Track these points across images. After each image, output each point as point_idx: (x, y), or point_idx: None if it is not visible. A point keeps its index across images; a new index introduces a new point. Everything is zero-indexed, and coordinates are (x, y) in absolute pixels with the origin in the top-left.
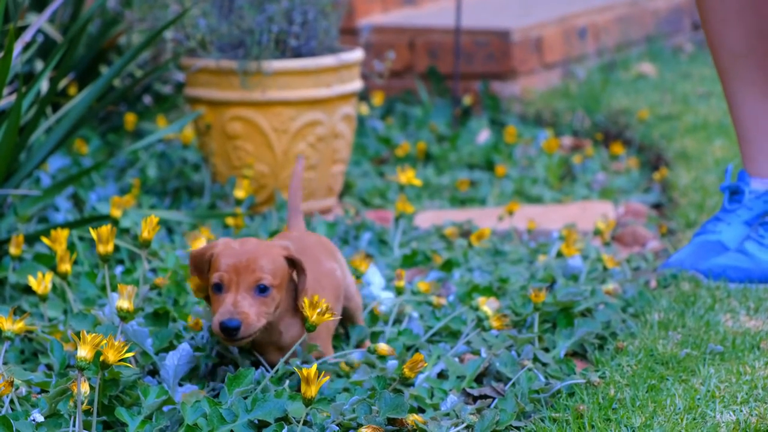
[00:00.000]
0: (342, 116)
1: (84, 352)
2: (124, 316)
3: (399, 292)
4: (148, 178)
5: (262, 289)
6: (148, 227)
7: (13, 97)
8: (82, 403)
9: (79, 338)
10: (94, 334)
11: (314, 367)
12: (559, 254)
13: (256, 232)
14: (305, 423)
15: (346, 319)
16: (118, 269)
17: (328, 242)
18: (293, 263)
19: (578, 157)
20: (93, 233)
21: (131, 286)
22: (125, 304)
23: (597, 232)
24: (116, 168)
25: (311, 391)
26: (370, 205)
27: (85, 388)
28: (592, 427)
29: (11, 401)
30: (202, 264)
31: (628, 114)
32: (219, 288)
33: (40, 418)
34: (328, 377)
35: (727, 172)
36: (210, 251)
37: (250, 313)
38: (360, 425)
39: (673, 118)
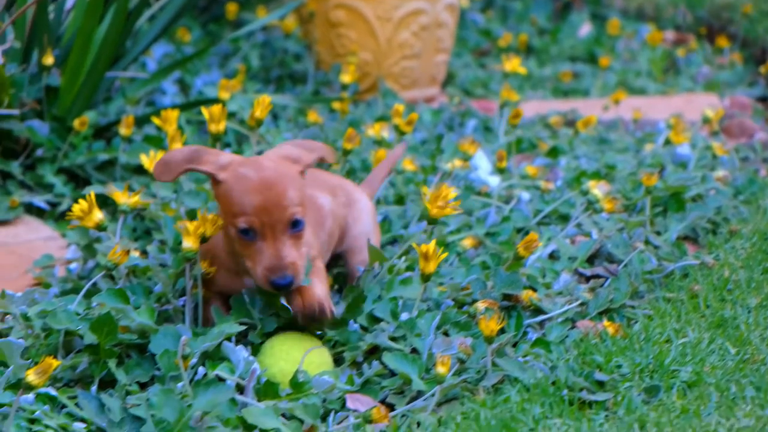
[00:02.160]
0: (445, 5)
1: (189, 244)
2: None
3: (501, 172)
4: (251, 67)
5: (295, 224)
6: (260, 107)
7: None
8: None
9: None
10: (197, 223)
11: (433, 242)
12: (667, 142)
13: (360, 118)
14: (422, 300)
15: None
16: (226, 152)
17: (331, 177)
18: None
19: (682, 51)
20: (204, 112)
21: None
22: None
23: (705, 121)
24: (219, 56)
25: (430, 267)
26: (472, 95)
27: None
28: (707, 306)
29: (127, 274)
30: (189, 171)
31: (731, 9)
32: (249, 233)
33: (158, 289)
34: (447, 253)
35: None
36: (213, 171)
37: (297, 259)
38: (475, 301)
39: None
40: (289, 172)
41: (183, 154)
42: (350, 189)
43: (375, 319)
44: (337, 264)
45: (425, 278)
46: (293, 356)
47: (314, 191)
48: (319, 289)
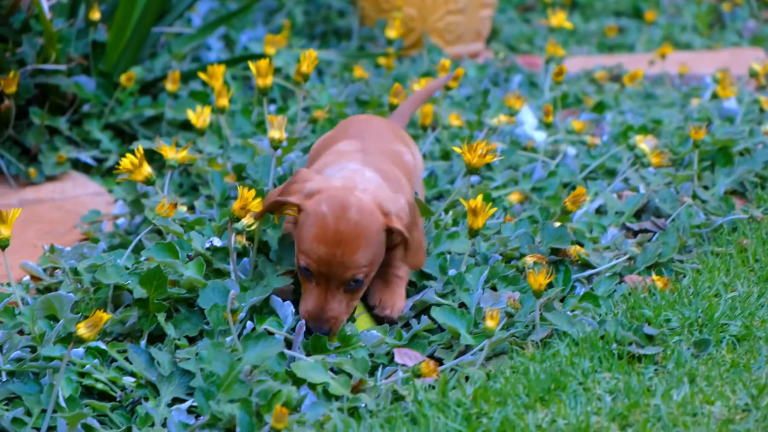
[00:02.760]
0: None
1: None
2: (276, 146)
3: (548, 127)
4: (296, 23)
5: (355, 282)
6: (306, 61)
7: None
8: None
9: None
10: (248, 191)
11: (480, 196)
12: (714, 97)
13: (405, 73)
14: (470, 255)
15: None
16: (272, 107)
17: (398, 129)
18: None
19: (727, 5)
20: (252, 67)
21: (281, 116)
22: (276, 134)
23: (752, 75)
24: (264, 11)
25: (478, 222)
26: (517, 50)
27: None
28: (756, 260)
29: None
30: (281, 207)
31: None
32: (306, 273)
33: (218, 243)
34: (495, 209)
35: None
36: (298, 202)
37: (340, 315)
38: (523, 255)
39: None
40: (371, 227)
41: (277, 189)
42: (408, 138)
43: (423, 275)
44: None
45: (473, 233)
46: None
47: (395, 145)
48: (399, 299)
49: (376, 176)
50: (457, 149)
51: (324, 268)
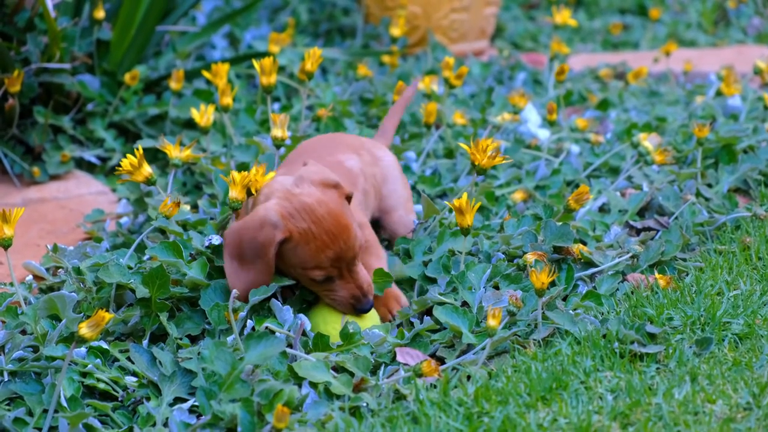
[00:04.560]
0: None
1: (235, 193)
2: (279, 144)
3: (551, 125)
4: (300, 21)
5: (357, 255)
6: (311, 59)
7: None
8: None
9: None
10: (244, 174)
11: (464, 195)
12: (718, 94)
13: (409, 71)
14: (469, 253)
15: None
16: (275, 106)
17: (354, 141)
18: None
19: (732, 2)
20: (256, 65)
21: (283, 115)
22: (279, 132)
23: (756, 72)
24: (268, 9)
25: (466, 220)
26: (521, 48)
27: None
28: (759, 258)
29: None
30: (258, 249)
31: None
32: (327, 280)
33: (216, 241)
34: (480, 203)
35: None
36: (277, 235)
37: (369, 278)
38: (525, 253)
39: None
40: (339, 206)
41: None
42: (371, 146)
43: (427, 278)
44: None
45: (464, 232)
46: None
47: (339, 155)
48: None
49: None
50: (464, 146)
51: (339, 263)
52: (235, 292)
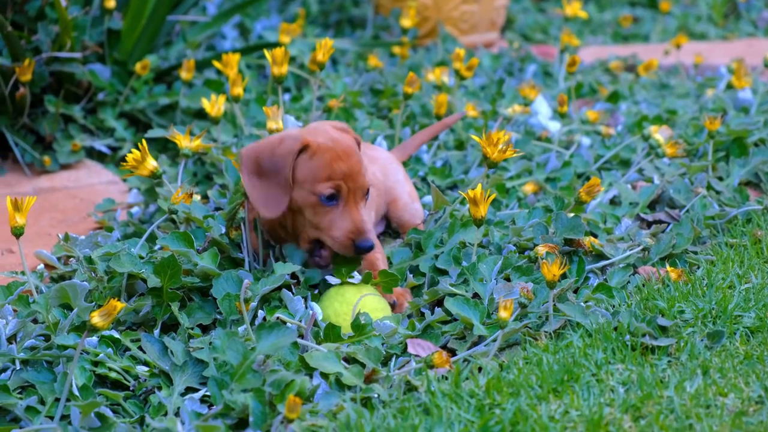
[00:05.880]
0: None
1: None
2: None
3: (562, 117)
4: (310, 12)
5: (367, 191)
6: (322, 50)
7: None
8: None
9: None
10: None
11: (479, 186)
12: (728, 87)
13: (420, 62)
14: (480, 245)
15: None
16: (286, 96)
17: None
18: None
19: None
20: (267, 55)
21: (275, 107)
22: (274, 125)
23: (767, 65)
24: (279, 0)
25: (480, 211)
26: (531, 40)
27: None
28: None
29: (187, 219)
30: (277, 161)
31: None
32: (332, 199)
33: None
34: (494, 195)
35: None
36: (296, 145)
37: (372, 227)
38: (536, 245)
39: None
40: (352, 142)
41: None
42: (364, 147)
43: (438, 270)
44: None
45: (477, 222)
46: (348, 298)
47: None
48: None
49: None
50: (476, 138)
51: (351, 182)
52: (246, 282)
